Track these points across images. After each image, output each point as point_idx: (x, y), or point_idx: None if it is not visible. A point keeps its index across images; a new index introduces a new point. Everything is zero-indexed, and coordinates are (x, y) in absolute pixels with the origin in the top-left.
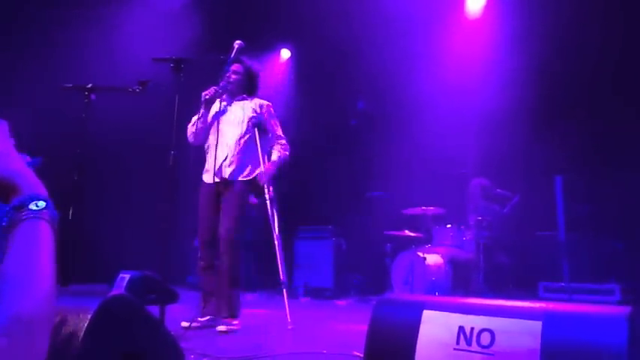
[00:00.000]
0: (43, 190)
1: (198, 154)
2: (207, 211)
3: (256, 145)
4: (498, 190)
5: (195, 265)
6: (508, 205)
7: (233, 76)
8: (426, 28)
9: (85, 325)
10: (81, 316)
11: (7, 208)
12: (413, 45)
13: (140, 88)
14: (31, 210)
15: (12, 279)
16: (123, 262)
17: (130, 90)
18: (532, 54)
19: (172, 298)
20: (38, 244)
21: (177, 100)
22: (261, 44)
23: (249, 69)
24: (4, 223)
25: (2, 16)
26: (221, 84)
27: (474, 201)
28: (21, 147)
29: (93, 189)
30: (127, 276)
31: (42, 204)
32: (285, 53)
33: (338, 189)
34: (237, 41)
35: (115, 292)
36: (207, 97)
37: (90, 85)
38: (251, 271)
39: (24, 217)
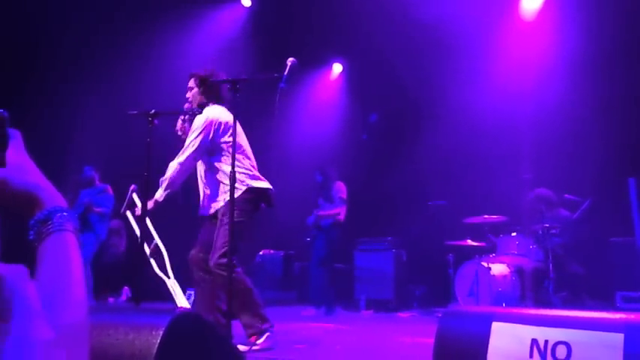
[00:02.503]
0: (63, 202)
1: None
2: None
3: (211, 169)
4: (566, 195)
5: (259, 279)
6: (578, 210)
7: (188, 94)
8: (480, 33)
9: (158, 341)
10: (153, 332)
11: (32, 222)
12: (467, 50)
13: (199, 110)
14: (56, 222)
15: (51, 292)
16: (189, 279)
17: (190, 113)
18: (596, 49)
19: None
20: (69, 256)
21: (234, 119)
22: (314, 60)
23: (200, 77)
24: (30, 237)
25: (75, 51)
26: (185, 108)
27: (537, 211)
28: (105, 178)
29: (159, 209)
30: (193, 293)
31: (65, 215)
32: (337, 68)
33: (396, 199)
34: (290, 59)
35: (183, 309)
36: (179, 134)
37: (153, 111)
38: (323, 286)
39: (51, 230)
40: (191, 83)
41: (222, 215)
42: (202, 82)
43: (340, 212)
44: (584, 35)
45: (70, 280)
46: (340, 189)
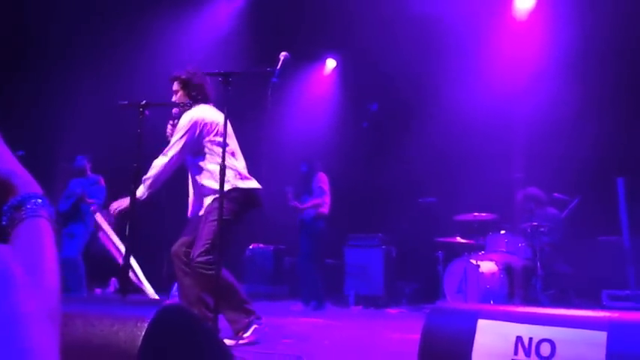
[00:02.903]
0: (38, 189)
1: (249, 165)
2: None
3: (196, 170)
4: (555, 194)
5: (250, 273)
6: (566, 209)
7: (174, 97)
8: (473, 32)
9: (142, 333)
10: (138, 324)
11: (5, 208)
12: (460, 48)
13: (191, 102)
14: (30, 208)
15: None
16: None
17: (181, 105)
18: (587, 50)
19: None
20: (42, 241)
21: (226, 112)
22: (307, 55)
23: (183, 79)
24: (3, 223)
25: (66, 41)
26: (174, 112)
27: (527, 210)
28: (96, 169)
29: (148, 200)
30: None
31: (39, 202)
32: (331, 63)
33: (387, 196)
34: (283, 53)
35: (170, 301)
36: (170, 139)
37: (144, 102)
38: (312, 281)
39: (24, 216)
40: (175, 86)
41: (208, 213)
42: (185, 84)
43: (321, 203)
44: (575, 35)
45: (42, 266)
46: (321, 179)
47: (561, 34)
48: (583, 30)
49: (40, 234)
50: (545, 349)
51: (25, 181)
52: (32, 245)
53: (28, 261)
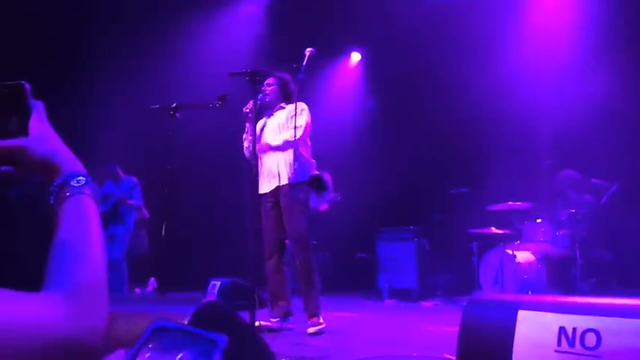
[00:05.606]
0: (81, 168)
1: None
2: (269, 220)
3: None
4: (593, 180)
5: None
6: (605, 195)
7: (267, 89)
8: (499, 15)
9: None
10: (179, 321)
11: (52, 187)
12: (486, 35)
13: (219, 102)
14: (74, 186)
15: (69, 250)
16: (214, 270)
17: (211, 105)
18: (622, 26)
19: (261, 303)
20: (86, 217)
21: (255, 109)
22: (332, 49)
23: (281, 78)
24: (51, 201)
25: (99, 46)
26: (259, 97)
27: (563, 195)
28: (129, 171)
29: (183, 201)
30: (218, 283)
31: (82, 180)
32: (356, 56)
33: (418, 188)
34: (309, 49)
35: (207, 298)
36: (246, 110)
37: (174, 105)
38: (329, 272)
39: (68, 194)
40: (271, 80)
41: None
42: (282, 85)
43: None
44: (609, 11)
45: (87, 239)
46: (329, 181)
47: (594, 12)
48: (619, 8)
49: (85, 210)
50: (591, 340)
51: (68, 161)
52: (77, 220)
53: (73, 235)
